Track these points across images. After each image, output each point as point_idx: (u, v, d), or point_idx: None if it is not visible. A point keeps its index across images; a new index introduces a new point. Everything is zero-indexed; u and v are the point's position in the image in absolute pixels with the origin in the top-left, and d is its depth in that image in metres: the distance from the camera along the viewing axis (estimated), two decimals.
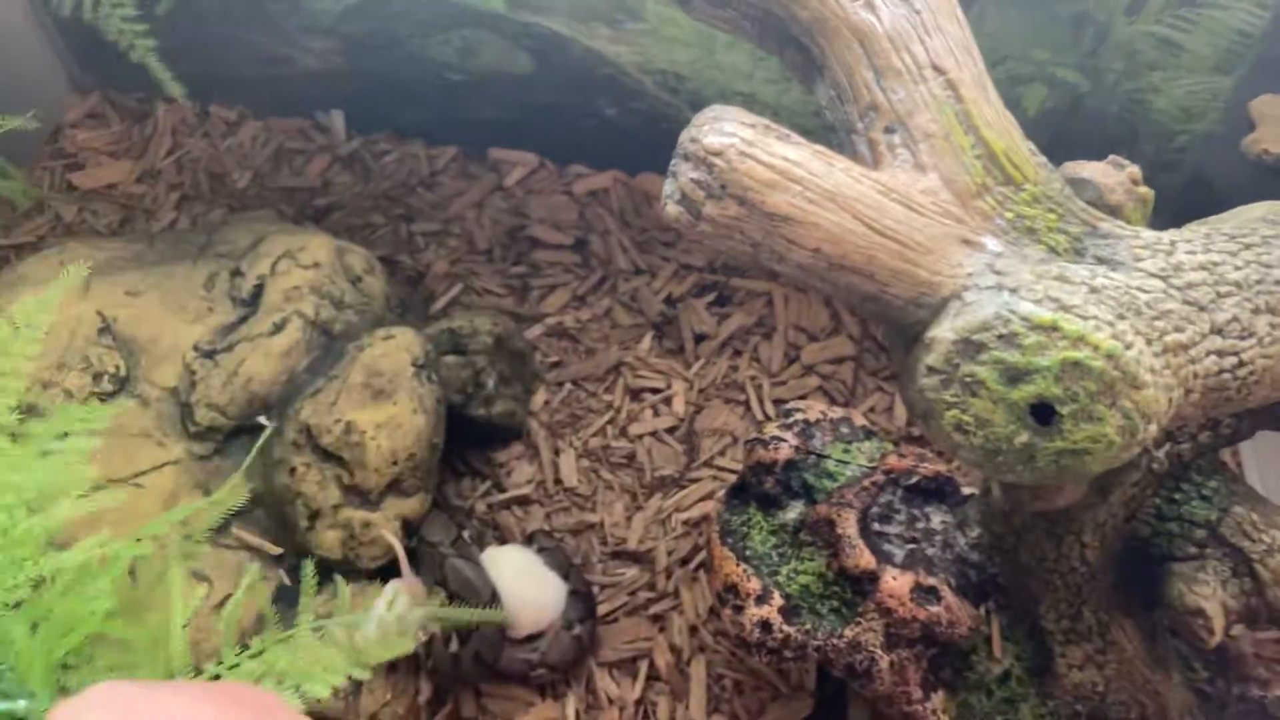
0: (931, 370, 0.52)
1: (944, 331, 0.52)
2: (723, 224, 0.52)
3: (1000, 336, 0.50)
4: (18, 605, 0.59)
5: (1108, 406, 0.50)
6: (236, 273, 1.19)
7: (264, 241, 1.22)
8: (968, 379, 0.51)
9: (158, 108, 1.56)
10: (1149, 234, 0.60)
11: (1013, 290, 0.51)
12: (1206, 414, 0.61)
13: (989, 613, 0.89)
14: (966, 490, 0.94)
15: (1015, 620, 0.89)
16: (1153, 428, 0.52)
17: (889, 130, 0.54)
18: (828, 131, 0.60)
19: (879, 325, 1.34)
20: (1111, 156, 0.66)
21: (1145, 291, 0.54)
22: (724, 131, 0.51)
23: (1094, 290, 0.52)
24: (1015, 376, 0.52)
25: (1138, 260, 0.57)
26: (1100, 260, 0.57)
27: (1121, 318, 0.52)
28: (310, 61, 1.47)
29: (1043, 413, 0.51)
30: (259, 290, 1.15)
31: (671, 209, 0.53)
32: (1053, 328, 0.51)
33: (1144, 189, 0.64)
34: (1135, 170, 0.65)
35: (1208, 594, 0.76)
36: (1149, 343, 0.52)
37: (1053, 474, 0.52)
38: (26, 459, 0.64)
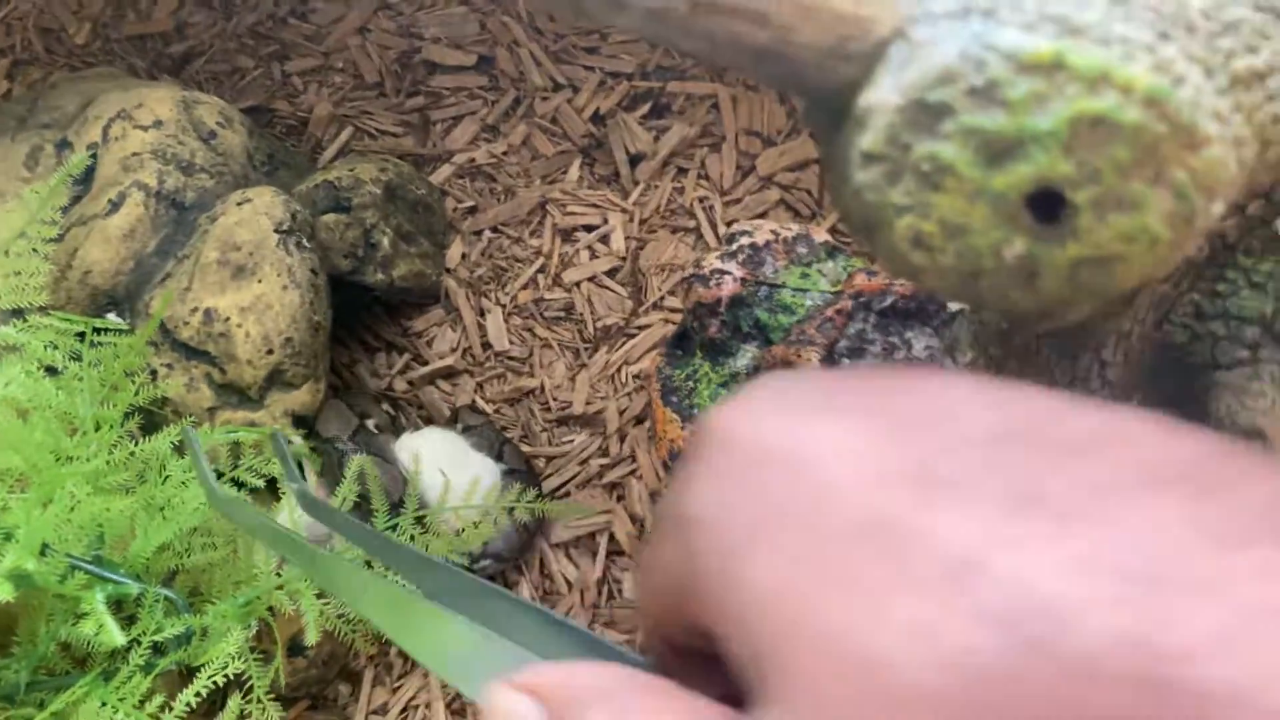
0: (869, 158, 0.33)
1: (883, 93, 0.33)
2: None
3: (972, 90, 0.31)
4: None
5: (1149, 183, 0.32)
6: (64, 144, 0.99)
7: (94, 104, 1.01)
8: (926, 165, 0.33)
9: None
10: None
11: (987, 12, 0.32)
12: None
13: None
14: (954, 306, 0.77)
15: None
16: (1216, 207, 0.34)
17: None
18: None
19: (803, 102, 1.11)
20: None
21: None
22: None
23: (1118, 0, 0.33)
24: (1000, 153, 0.33)
25: None
26: None
27: (1165, 38, 0.32)
28: None
29: (1046, 205, 0.33)
30: (92, 163, 0.96)
31: None
32: (1056, 65, 0.32)
33: None
34: None
35: (1264, 407, 0.60)
36: (1209, 74, 0.33)
37: (1065, 295, 0.34)
38: None
